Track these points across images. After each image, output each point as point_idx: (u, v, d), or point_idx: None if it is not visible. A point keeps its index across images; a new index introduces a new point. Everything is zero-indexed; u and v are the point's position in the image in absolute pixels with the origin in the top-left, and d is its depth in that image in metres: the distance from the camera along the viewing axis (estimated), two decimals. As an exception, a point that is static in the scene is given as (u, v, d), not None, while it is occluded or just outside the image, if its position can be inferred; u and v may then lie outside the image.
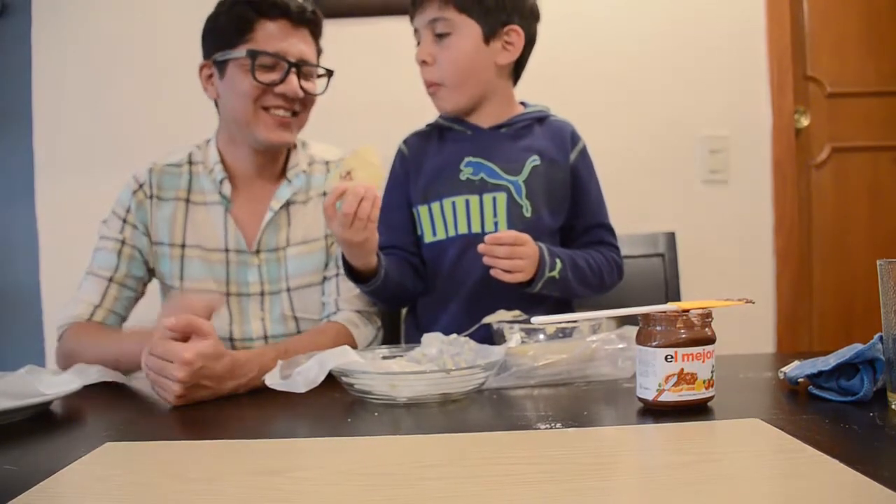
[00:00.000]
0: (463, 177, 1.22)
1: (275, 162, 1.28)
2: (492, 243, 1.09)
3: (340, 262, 1.16)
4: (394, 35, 1.85)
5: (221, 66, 1.21)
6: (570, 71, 1.85)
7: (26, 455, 0.66)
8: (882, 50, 1.97)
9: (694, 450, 0.61)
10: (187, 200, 1.25)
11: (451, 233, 1.22)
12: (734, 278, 1.87)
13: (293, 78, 1.19)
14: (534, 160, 1.22)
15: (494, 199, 1.20)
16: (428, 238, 1.25)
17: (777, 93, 1.88)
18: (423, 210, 1.24)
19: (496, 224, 1.20)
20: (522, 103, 1.30)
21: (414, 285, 1.24)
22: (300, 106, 1.23)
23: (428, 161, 1.26)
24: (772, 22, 1.87)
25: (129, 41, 1.83)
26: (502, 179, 1.21)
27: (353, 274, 1.15)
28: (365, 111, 1.82)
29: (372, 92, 1.82)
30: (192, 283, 1.22)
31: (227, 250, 1.23)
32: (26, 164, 1.83)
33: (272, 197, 1.26)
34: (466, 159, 1.22)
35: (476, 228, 1.21)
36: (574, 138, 1.27)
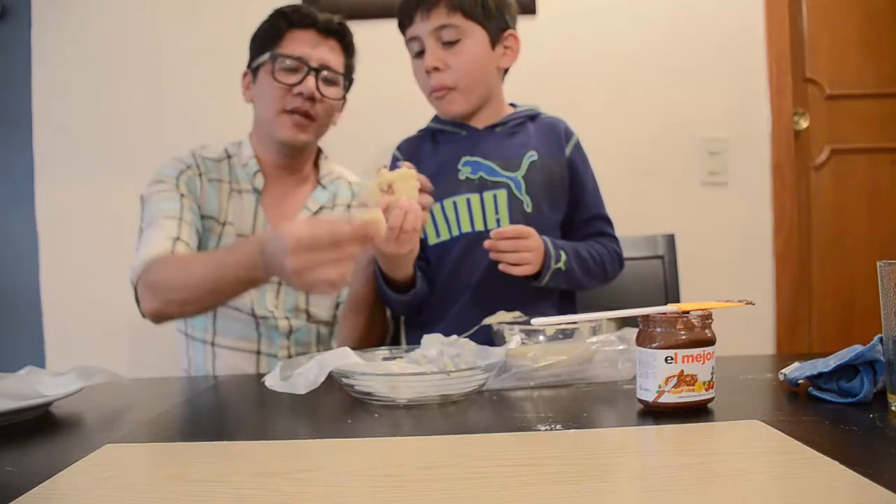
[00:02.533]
0: (462, 176, 1.23)
1: (300, 164, 1.37)
2: (496, 238, 1.11)
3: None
4: (393, 36, 1.85)
5: (255, 72, 1.33)
6: (570, 73, 1.85)
7: (26, 456, 0.66)
8: (881, 52, 1.97)
9: (694, 451, 0.61)
10: (230, 186, 1.33)
11: (455, 232, 1.23)
12: (734, 280, 1.87)
13: (310, 79, 1.27)
14: (531, 156, 1.24)
15: (495, 196, 1.22)
16: (432, 240, 1.26)
17: (776, 95, 1.88)
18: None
19: (498, 221, 1.22)
20: (512, 104, 1.32)
21: (430, 290, 1.26)
22: (317, 109, 1.30)
23: (424, 164, 1.27)
24: (771, 24, 1.87)
25: (130, 44, 1.83)
26: (501, 176, 1.23)
27: (390, 285, 1.18)
28: (364, 112, 1.82)
29: (371, 93, 1.82)
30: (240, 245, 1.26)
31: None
32: (26, 166, 1.83)
33: (306, 197, 1.37)
34: (464, 159, 1.24)
35: (479, 226, 1.22)
36: (568, 133, 1.30)
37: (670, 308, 0.75)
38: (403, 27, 1.25)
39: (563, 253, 1.17)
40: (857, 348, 0.75)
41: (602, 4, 1.86)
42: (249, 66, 1.35)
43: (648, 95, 1.87)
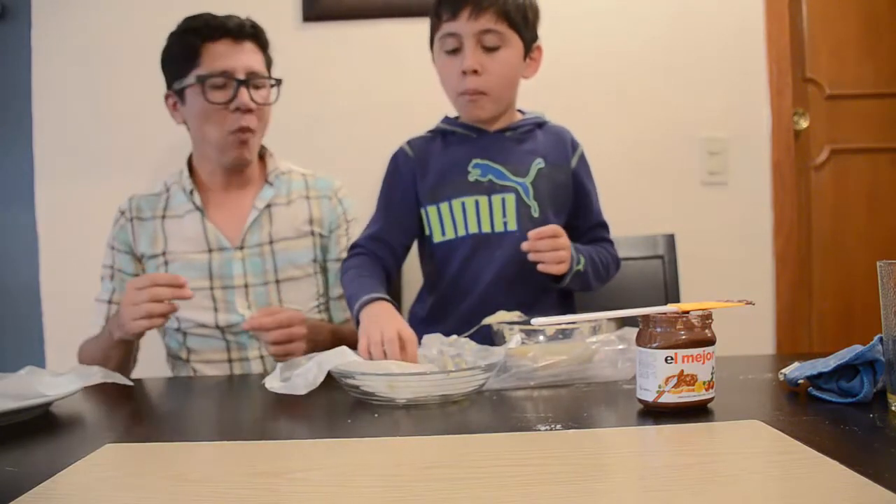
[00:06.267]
0: (471, 178, 1.25)
1: (242, 173, 1.38)
2: (535, 238, 1.12)
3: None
4: (393, 37, 1.85)
5: (180, 93, 1.32)
6: (570, 73, 1.85)
7: (26, 456, 0.66)
8: (881, 52, 1.97)
9: (694, 451, 0.61)
10: (163, 217, 1.37)
11: (462, 232, 1.24)
12: (734, 280, 1.87)
13: (244, 91, 1.27)
14: (539, 163, 1.26)
15: (504, 199, 1.24)
16: (437, 238, 1.27)
17: (776, 95, 1.88)
18: (431, 210, 1.26)
19: (506, 224, 1.23)
20: (520, 110, 1.34)
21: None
22: (255, 120, 1.31)
23: (434, 162, 1.28)
24: (771, 24, 1.87)
25: (130, 44, 1.83)
26: (510, 181, 1.24)
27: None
28: (364, 113, 1.82)
29: (371, 94, 1.82)
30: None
31: (210, 250, 1.34)
32: (26, 165, 1.83)
33: (252, 197, 1.37)
34: (474, 161, 1.25)
35: (486, 228, 1.24)
36: (574, 144, 1.32)
37: (670, 308, 0.75)
38: (441, 19, 1.23)
39: (581, 256, 1.19)
40: (857, 348, 0.75)
41: (602, 5, 1.86)
42: (170, 87, 1.34)
43: (648, 95, 1.87)
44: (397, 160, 1.32)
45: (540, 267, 1.13)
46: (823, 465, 0.53)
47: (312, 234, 1.38)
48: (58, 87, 1.83)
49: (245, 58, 1.29)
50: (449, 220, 1.25)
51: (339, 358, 0.86)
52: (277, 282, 1.34)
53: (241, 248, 1.34)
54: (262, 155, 1.42)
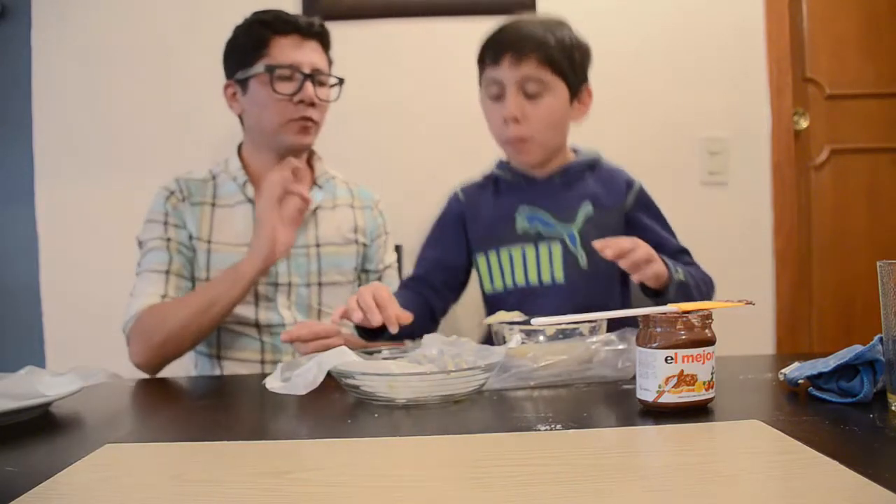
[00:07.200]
0: (518, 227, 1.24)
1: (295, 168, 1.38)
2: (603, 247, 1.02)
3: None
4: (393, 37, 1.85)
5: (243, 83, 1.33)
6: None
7: (26, 456, 0.66)
8: (881, 51, 1.97)
9: (694, 451, 0.61)
10: (213, 205, 1.35)
11: (509, 283, 1.24)
12: (734, 280, 1.87)
13: (308, 86, 1.30)
14: (587, 208, 1.24)
15: (550, 249, 1.22)
16: (487, 288, 1.27)
17: (776, 94, 1.88)
18: (481, 259, 1.27)
19: (552, 274, 1.21)
20: (574, 149, 1.33)
21: (424, 323, 1.25)
22: (317, 113, 1.33)
23: (484, 210, 1.29)
24: (771, 24, 1.87)
25: (130, 43, 1.83)
26: (556, 229, 1.23)
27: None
28: (364, 113, 1.82)
29: (371, 94, 1.82)
30: (219, 273, 1.29)
31: None
32: (26, 165, 1.83)
33: None
34: (521, 209, 1.25)
35: (533, 280, 1.22)
36: (629, 184, 1.29)
37: (670, 308, 0.75)
38: (485, 64, 1.23)
39: (678, 267, 1.12)
40: (857, 348, 0.75)
41: (602, 5, 1.86)
42: (232, 77, 1.35)
43: (648, 95, 1.87)
44: (450, 205, 1.35)
45: (635, 278, 1.05)
46: (823, 465, 0.53)
47: (356, 242, 1.41)
48: (58, 87, 1.83)
49: (311, 54, 1.32)
50: (497, 270, 1.24)
51: (339, 358, 0.86)
52: (320, 284, 1.36)
53: None
54: (310, 158, 1.44)
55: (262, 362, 1.33)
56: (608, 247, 1.01)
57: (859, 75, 1.97)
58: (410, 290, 1.26)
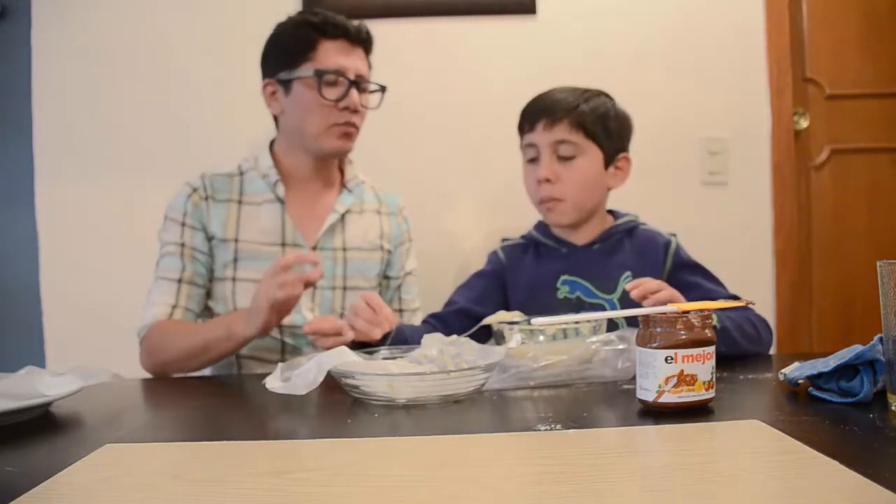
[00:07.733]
0: (560, 295, 1.26)
1: (329, 169, 1.39)
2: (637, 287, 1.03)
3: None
4: (393, 37, 1.85)
5: (286, 84, 1.31)
6: (570, 73, 1.85)
7: (26, 456, 0.66)
8: (881, 51, 1.97)
9: (694, 451, 0.61)
10: (240, 202, 1.34)
11: None
12: (734, 280, 1.86)
13: (354, 93, 1.30)
14: (627, 278, 1.25)
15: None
16: None
17: (776, 94, 1.88)
18: None
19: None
20: (611, 212, 1.35)
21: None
22: (359, 119, 1.34)
23: (524, 274, 1.31)
24: (771, 24, 1.87)
25: (130, 43, 1.83)
26: (598, 298, 1.25)
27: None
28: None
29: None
30: (245, 273, 1.30)
31: (283, 244, 1.33)
32: (26, 165, 1.83)
33: (333, 201, 1.38)
34: (562, 278, 1.27)
35: None
36: (667, 247, 1.29)
37: (670, 308, 0.75)
38: (523, 131, 1.30)
39: (713, 313, 1.10)
40: (857, 348, 0.75)
41: (602, 4, 1.86)
42: (274, 76, 1.32)
43: (648, 95, 1.86)
44: (491, 262, 1.36)
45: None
46: (823, 465, 0.53)
47: (382, 248, 1.41)
48: (58, 87, 1.83)
49: (357, 61, 1.32)
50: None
51: (339, 358, 0.86)
52: (345, 288, 1.36)
53: (315, 248, 1.35)
54: (341, 162, 1.43)
55: (282, 363, 1.32)
56: (636, 287, 1.03)
57: (859, 75, 1.97)
58: (431, 327, 1.27)
